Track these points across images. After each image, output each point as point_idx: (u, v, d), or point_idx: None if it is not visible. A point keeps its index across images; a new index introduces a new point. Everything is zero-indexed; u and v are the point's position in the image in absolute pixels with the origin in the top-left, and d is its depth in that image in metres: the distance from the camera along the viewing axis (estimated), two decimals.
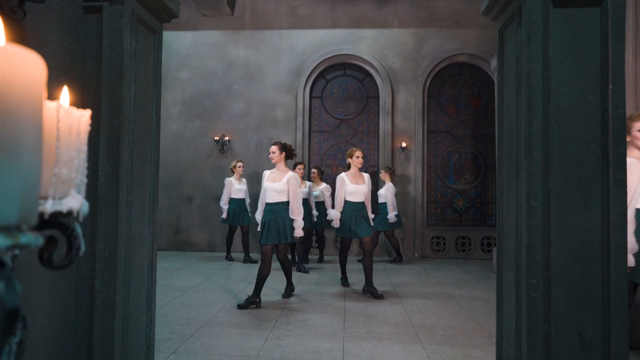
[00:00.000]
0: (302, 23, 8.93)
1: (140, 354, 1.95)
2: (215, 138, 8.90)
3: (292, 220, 4.94)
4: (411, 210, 8.56)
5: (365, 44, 8.85)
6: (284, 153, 5.03)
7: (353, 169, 5.51)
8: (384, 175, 7.76)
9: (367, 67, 8.89)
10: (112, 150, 1.77)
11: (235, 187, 7.55)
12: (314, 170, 7.42)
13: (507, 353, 1.84)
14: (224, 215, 7.49)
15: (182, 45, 9.01)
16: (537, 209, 1.65)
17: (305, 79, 8.86)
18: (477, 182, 8.80)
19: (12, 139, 0.34)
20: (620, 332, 1.58)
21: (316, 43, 8.89)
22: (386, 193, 7.55)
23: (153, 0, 1.98)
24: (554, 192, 1.64)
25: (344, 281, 5.90)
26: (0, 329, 0.33)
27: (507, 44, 1.87)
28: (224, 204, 7.51)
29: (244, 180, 7.77)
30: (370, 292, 5.27)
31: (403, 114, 8.75)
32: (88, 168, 1.61)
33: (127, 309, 1.83)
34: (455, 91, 8.94)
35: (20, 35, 1.44)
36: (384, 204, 7.57)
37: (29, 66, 0.36)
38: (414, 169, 8.63)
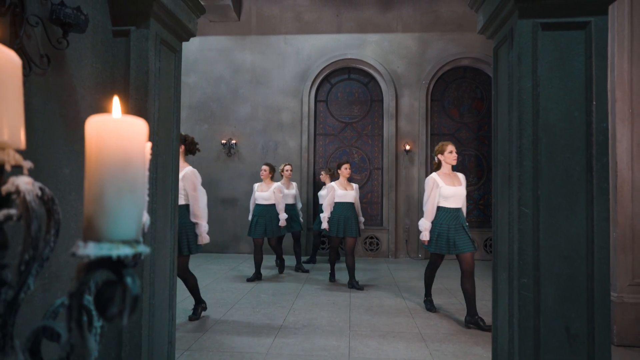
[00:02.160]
0: (308, 28, 9.10)
1: (163, 348, 2.11)
2: (223, 141, 9.08)
3: (192, 227, 4.17)
4: (415, 212, 8.70)
5: (370, 48, 9.01)
6: (183, 147, 4.28)
7: (446, 168, 4.51)
8: (324, 177, 7.52)
9: (372, 71, 9.05)
10: None
11: (284, 192, 6.91)
12: (264, 167, 6.53)
13: (501, 347, 1.99)
14: (283, 223, 6.84)
15: (189, 50, 9.20)
16: (527, 214, 1.80)
17: (310, 83, 9.02)
18: (480, 184, 8.93)
19: (133, 181, 0.51)
20: (603, 327, 1.73)
21: (321, 48, 9.06)
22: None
23: (175, 23, 2.15)
24: (543, 199, 1.80)
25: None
26: (129, 309, 0.49)
27: (501, 62, 2.03)
28: (281, 212, 6.92)
29: (294, 184, 7.31)
30: (473, 323, 4.23)
31: (407, 117, 8.90)
32: None
33: (152, 307, 2.00)
34: (459, 94, 9.07)
35: (62, 62, 1.61)
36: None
37: (138, 129, 0.52)
38: (417, 171, 8.77)
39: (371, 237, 8.70)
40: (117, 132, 0.51)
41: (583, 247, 1.77)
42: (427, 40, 8.94)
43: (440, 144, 4.62)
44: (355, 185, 6.29)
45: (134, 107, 1.93)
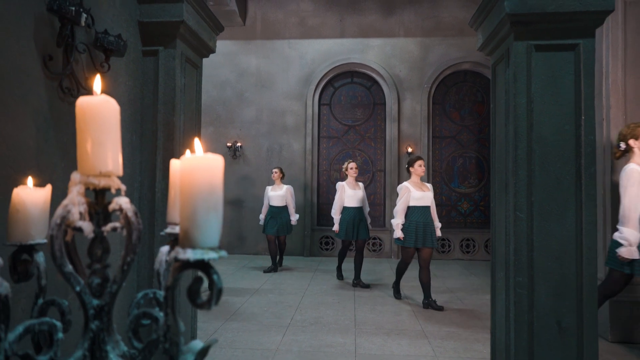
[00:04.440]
0: (312, 33, 9.28)
1: (187, 342, 2.29)
2: (228, 144, 9.26)
3: None
4: None
5: (373, 52, 9.18)
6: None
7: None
8: (277, 176, 7.07)
9: (374, 75, 9.22)
10: (167, 170, 2.12)
11: (349, 194, 6.15)
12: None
13: (499, 340, 2.17)
14: (337, 227, 6.14)
15: None
16: (522, 219, 1.98)
17: (314, 87, 9.20)
18: (481, 185, 9.10)
19: (216, 203, 0.69)
20: (591, 321, 1.91)
21: (325, 52, 9.24)
22: (286, 194, 6.99)
23: (197, 42, 2.33)
24: (536, 205, 1.97)
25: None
26: (215, 298, 0.67)
27: (498, 79, 2.21)
28: (336, 214, 6.16)
29: (361, 184, 6.35)
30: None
31: (409, 120, 9.07)
32: (147, 186, 1.98)
33: (178, 304, 2.17)
34: (460, 98, 9.24)
35: (104, 83, 1.79)
36: (285, 207, 6.98)
37: (218, 163, 0.70)
38: None
39: (374, 238, 8.87)
40: (204, 167, 0.68)
41: (573, 248, 1.95)
42: (429, 44, 9.11)
43: (631, 125, 3.45)
44: (430, 185, 5.38)
45: (162, 120, 2.11)
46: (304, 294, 5.64)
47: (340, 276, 6.55)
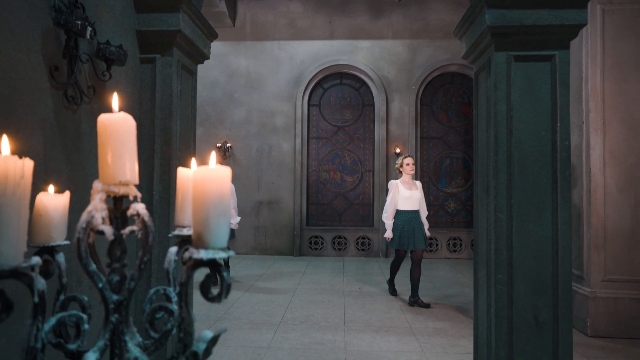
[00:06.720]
0: (301, 34, 9.37)
1: None
2: (218, 144, 9.31)
3: None
4: None
5: (361, 54, 9.31)
6: None
7: None
8: None
9: (363, 77, 9.35)
10: (164, 173, 2.21)
11: (404, 194, 5.23)
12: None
13: (481, 334, 2.29)
14: (389, 234, 5.28)
15: None
16: (502, 220, 2.10)
17: (303, 88, 9.29)
18: (468, 185, 9.28)
19: (225, 209, 0.78)
20: (566, 316, 2.04)
21: (314, 53, 9.33)
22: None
23: (193, 49, 2.42)
24: (515, 207, 2.10)
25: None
26: (225, 293, 0.76)
27: (480, 86, 2.33)
28: (388, 219, 5.28)
29: (418, 183, 5.41)
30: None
31: (397, 121, 9.21)
32: (146, 189, 2.08)
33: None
34: (447, 99, 9.41)
35: (103, 90, 1.86)
36: None
37: (227, 174, 0.80)
38: None
39: (363, 238, 9.00)
40: (215, 177, 0.78)
41: (549, 247, 2.07)
42: (417, 47, 9.26)
43: None
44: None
45: (160, 126, 2.20)
46: (294, 293, 5.74)
47: (393, 291, 5.63)
